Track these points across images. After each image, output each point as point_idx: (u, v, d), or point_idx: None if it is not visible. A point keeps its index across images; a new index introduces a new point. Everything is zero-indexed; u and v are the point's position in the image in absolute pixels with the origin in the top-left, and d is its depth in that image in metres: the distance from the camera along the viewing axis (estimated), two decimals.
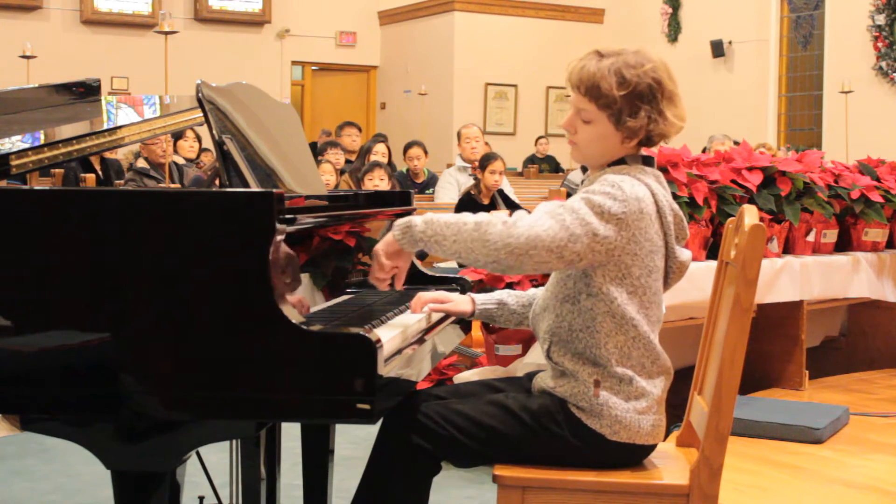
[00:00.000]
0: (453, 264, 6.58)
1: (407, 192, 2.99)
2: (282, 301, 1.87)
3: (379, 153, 8.30)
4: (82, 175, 7.60)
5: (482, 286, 3.84)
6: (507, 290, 2.55)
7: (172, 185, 7.10)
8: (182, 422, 1.92)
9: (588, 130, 2.24)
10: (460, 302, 2.48)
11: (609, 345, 2.20)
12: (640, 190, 2.17)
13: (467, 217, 2.16)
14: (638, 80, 2.18)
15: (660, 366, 2.26)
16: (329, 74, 16.79)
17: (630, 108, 2.19)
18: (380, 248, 2.21)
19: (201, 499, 2.90)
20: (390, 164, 8.74)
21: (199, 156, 8.90)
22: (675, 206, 2.27)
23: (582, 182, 2.32)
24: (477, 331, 4.11)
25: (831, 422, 3.71)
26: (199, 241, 1.89)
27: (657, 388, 2.25)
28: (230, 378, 1.86)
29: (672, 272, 2.29)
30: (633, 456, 2.25)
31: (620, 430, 2.20)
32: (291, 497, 3.33)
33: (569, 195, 2.38)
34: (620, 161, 2.25)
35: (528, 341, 3.85)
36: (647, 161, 2.28)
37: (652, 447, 2.28)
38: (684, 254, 2.31)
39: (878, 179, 4.94)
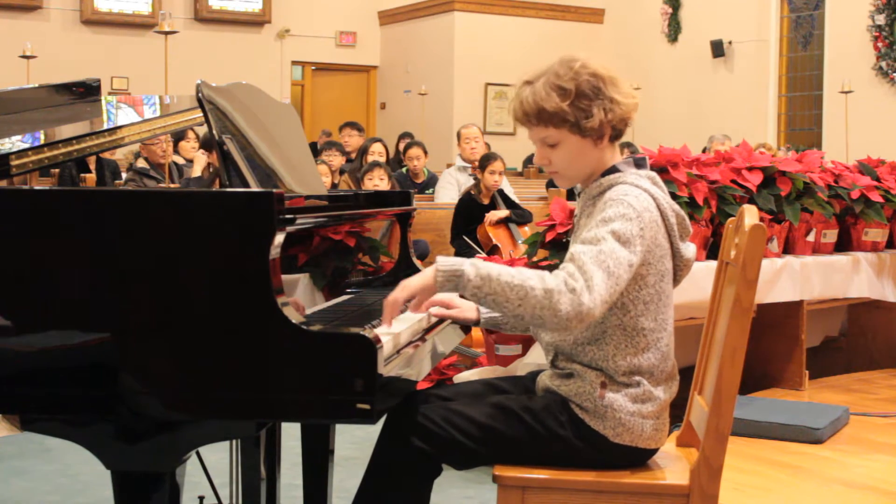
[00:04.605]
0: None
1: (407, 192, 2.99)
2: (282, 301, 1.87)
3: (376, 153, 8.30)
4: (82, 175, 7.60)
5: None
6: None
7: (172, 186, 7.10)
8: (182, 422, 1.92)
9: (560, 154, 2.22)
10: (466, 309, 2.36)
11: (617, 357, 2.19)
12: (644, 199, 2.15)
13: (529, 278, 2.02)
14: (576, 82, 2.16)
15: (668, 373, 2.26)
16: (329, 74, 16.79)
17: (583, 111, 2.16)
18: (410, 290, 2.11)
19: (201, 499, 2.90)
20: (391, 163, 8.73)
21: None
22: (676, 206, 2.26)
23: (578, 195, 2.31)
24: (477, 331, 4.11)
25: (831, 422, 3.71)
26: (200, 242, 1.89)
27: (665, 392, 2.24)
28: (230, 378, 1.86)
29: (679, 270, 2.29)
30: (635, 458, 2.25)
31: (623, 432, 2.19)
32: (291, 497, 3.33)
33: (569, 196, 2.36)
34: (612, 169, 2.23)
35: (528, 341, 3.84)
36: (640, 163, 2.26)
37: (654, 450, 2.27)
38: (689, 250, 2.29)
39: (878, 179, 4.94)
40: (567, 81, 2.16)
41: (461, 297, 2.15)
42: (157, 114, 3.08)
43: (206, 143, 7.20)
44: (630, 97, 2.21)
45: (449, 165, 9.36)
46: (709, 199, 4.13)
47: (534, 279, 2.02)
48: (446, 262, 2.08)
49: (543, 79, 2.18)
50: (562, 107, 2.16)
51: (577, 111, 2.16)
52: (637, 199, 2.14)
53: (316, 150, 8.59)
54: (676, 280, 2.30)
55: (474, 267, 2.05)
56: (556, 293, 2.00)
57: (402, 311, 2.19)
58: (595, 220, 2.13)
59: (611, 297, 2.06)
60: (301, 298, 2.31)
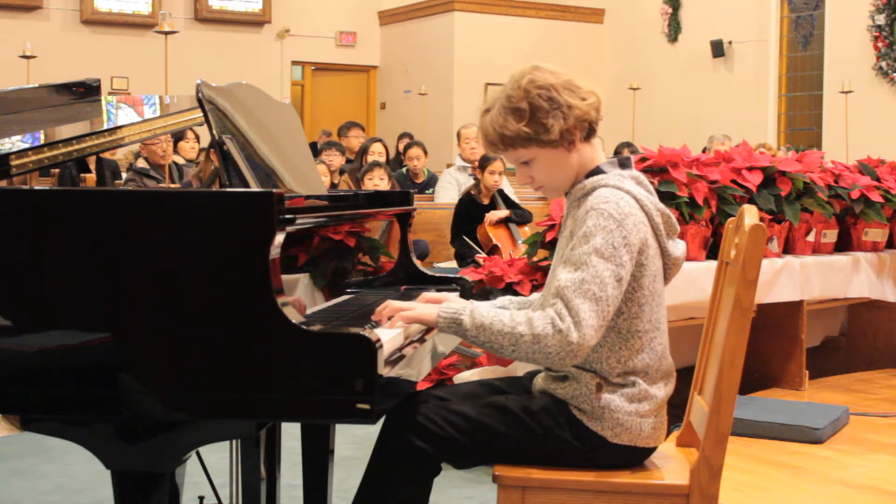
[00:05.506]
0: (453, 264, 6.58)
1: (407, 192, 2.99)
2: (282, 301, 1.87)
3: (376, 153, 8.30)
4: (82, 175, 7.59)
5: (482, 286, 3.84)
6: (508, 298, 2.53)
7: (172, 186, 7.10)
8: (182, 422, 1.92)
9: (538, 169, 2.25)
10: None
11: (611, 359, 2.20)
12: (625, 204, 2.15)
13: (518, 324, 2.11)
14: (527, 100, 2.18)
15: (664, 371, 2.26)
16: (329, 74, 16.79)
17: (542, 125, 2.18)
18: (415, 315, 2.19)
19: (201, 499, 2.90)
20: (391, 163, 8.73)
21: (199, 156, 8.89)
22: (661, 205, 2.26)
23: (567, 195, 2.32)
24: None
25: (831, 422, 3.71)
26: (200, 242, 1.89)
27: (661, 391, 2.25)
28: (230, 378, 1.86)
29: (668, 268, 2.29)
30: (634, 457, 2.25)
31: (622, 432, 2.20)
32: (291, 497, 3.33)
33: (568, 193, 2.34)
34: (596, 170, 2.24)
35: None
36: (624, 163, 2.27)
37: (653, 449, 2.28)
38: (677, 249, 2.30)
39: (878, 179, 4.94)
40: (519, 101, 2.19)
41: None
42: (157, 114, 3.08)
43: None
44: (588, 96, 2.21)
45: (449, 165, 9.36)
46: (709, 199, 4.13)
47: (522, 325, 2.10)
48: (449, 308, 2.18)
49: (498, 104, 2.22)
50: (520, 128, 2.18)
51: (536, 127, 2.18)
52: (617, 206, 2.14)
53: (316, 150, 8.59)
54: (666, 278, 2.31)
55: (471, 316, 2.15)
56: (542, 337, 2.08)
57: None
58: (578, 232, 2.15)
59: (604, 321, 2.10)
60: (301, 298, 2.31)
